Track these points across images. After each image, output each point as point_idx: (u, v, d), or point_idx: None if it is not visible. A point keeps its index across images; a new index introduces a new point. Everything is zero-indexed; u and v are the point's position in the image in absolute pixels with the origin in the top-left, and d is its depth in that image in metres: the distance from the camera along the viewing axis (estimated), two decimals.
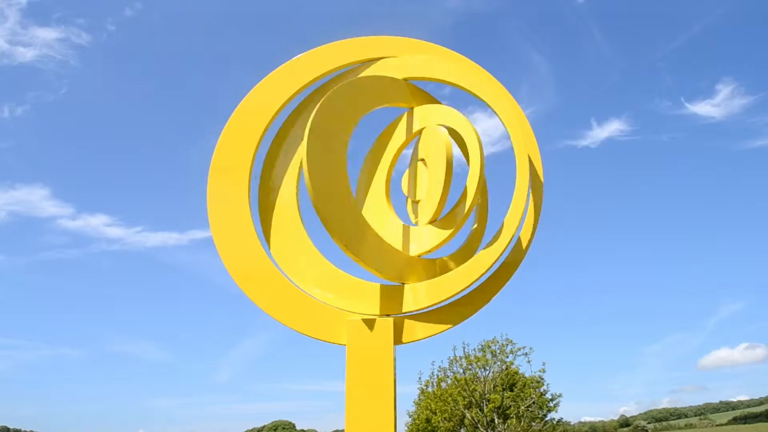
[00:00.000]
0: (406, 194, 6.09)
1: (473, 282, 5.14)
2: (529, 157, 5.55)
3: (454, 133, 5.62)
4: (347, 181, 4.96)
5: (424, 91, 6.06)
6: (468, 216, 5.51)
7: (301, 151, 4.80)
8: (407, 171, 6.13)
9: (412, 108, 5.92)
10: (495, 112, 5.74)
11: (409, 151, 6.25)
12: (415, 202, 6.03)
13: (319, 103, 4.81)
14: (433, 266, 5.61)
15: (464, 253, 5.87)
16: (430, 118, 5.75)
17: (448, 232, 5.47)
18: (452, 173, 5.44)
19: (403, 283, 5.13)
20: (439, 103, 6.04)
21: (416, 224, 5.85)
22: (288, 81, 5.57)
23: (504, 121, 5.67)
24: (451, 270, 5.48)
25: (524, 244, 5.55)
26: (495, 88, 5.89)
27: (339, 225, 4.65)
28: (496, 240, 5.21)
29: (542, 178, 5.80)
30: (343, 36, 5.84)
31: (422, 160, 5.91)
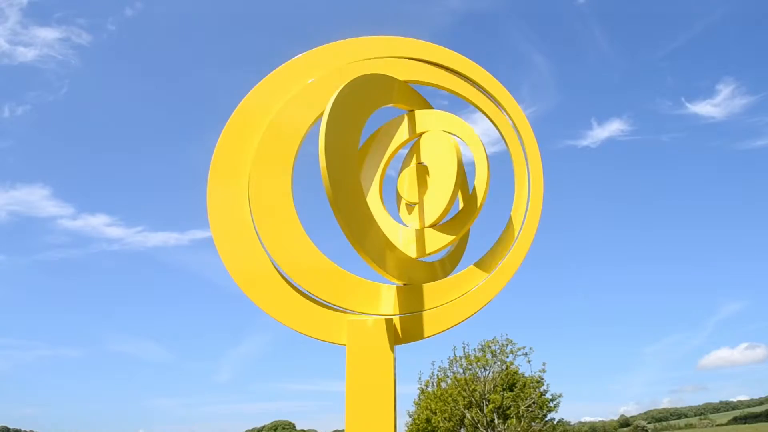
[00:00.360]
0: (404, 196, 6.08)
1: (477, 284, 5.23)
2: (528, 161, 5.63)
3: None
4: (358, 173, 4.95)
5: (421, 95, 6.09)
6: (472, 221, 5.58)
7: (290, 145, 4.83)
8: (404, 173, 6.10)
9: (411, 110, 5.94)
10: (497, 128, 5.85)
11: (401, 153, 6.27)
12: (410, 205, 6.03)
13: (337, 91, 4.69)
14: (434, 268, 5.67)
15: (453, 257, 5.98)
16: (434, 123, 5.79)
17: (450, 237, 5.54)
18: (461, 178, 5.51)
19: (405, 283, 5.15)
20: (432, 107, 6.08)
21: (411, 226, 5.87)
22: (288, 81, 5.56)
23: (504, 135, 5.82)
24: (440, 272, 5.61)
25: (525, 244, 5.59)
26: (494, 93, 5.93)
27: (348, 216, 4.57)
28: (499, 242, 5.26)
29: (542, 181, 5.83)
30: (343, 36, 5.82)
31: (421, 163, 5.93)
